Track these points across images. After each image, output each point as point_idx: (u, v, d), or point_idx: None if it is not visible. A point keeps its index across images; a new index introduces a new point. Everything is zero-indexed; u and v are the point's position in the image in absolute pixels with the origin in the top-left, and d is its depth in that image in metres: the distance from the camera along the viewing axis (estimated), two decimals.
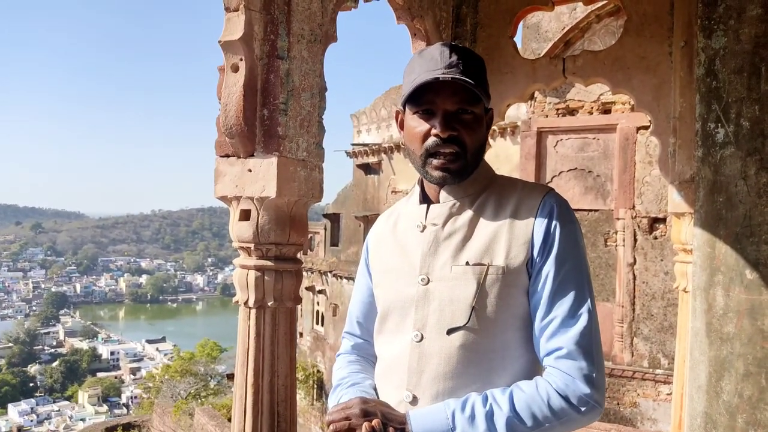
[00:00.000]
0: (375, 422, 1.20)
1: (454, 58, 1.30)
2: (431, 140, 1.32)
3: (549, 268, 1.29)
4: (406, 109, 1.37)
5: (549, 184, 6.20)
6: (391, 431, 1.20)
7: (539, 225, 1.31)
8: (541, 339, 1.29)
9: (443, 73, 1.27)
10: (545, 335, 1.28)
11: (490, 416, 1.19)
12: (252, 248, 2.57)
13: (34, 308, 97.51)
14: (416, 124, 1.34)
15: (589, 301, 1.28)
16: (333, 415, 1.25)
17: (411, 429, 1.21)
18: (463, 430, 1.19)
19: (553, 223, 1.31)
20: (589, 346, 1.24)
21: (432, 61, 1.30)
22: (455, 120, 1.31)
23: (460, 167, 1.34)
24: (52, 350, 78.44)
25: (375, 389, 1.44)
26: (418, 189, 1.47)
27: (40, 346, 79.33)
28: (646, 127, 8.59)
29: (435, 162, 1.33)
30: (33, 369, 68.98)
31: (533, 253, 1.30)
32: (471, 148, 1.34)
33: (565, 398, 1.20)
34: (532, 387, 1.23)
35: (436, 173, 1.34)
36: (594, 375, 1.22)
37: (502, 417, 1.19)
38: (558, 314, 1.26)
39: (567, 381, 1.22)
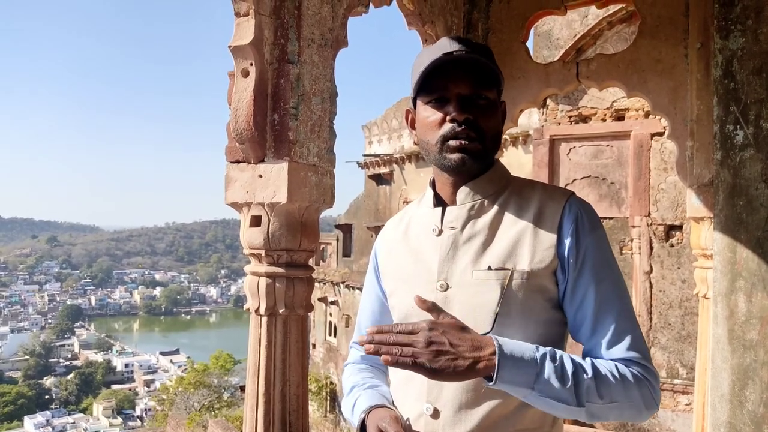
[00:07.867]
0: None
1: (463, 44, 1.26)
2: (447, 126, 1.26)
3: (588, 282, 1.24)
4: (418, 101, 1.33)
5: None
6: None
7: (566, 232, 1.26)
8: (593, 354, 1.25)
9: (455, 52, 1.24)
10: (598, 352, 1.23)
11: (575, 374, 1.13)
12: (263, 255, 2.54)
13: (49, 321, 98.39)
14: (429, 113, 1.29)
15: (632, 307, 1.26)
16: (397, 337, 1.10)
17: (497, 343, 1.12)
18: (549, 376, 1.11)
19: (582, 231, 1.26)
20: (645, 351, 1.22)
21: (440, 48, 1.26)
22: (471, 104, 1.26)
23: (478, 149, 1.27)
24: (68, 363, 79.08)
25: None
26: (430, 192, 1.39)
27: (56, 359, 79.98)
28: (660, 134, 8.51)
29: (453, 143, 1.26)
30: (48, 381, 69.46)
31: (567, 261, 1.25)
32: (488, 135, 1.29)
33: (638, 384, 1.17)
34: (611, 364, 1.19)
35: (455, 156, 1.27)
36: (653, 377, 1.20)
37: (584, 381, 1.13)
38: (607, 328, 1.22)
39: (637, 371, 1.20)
